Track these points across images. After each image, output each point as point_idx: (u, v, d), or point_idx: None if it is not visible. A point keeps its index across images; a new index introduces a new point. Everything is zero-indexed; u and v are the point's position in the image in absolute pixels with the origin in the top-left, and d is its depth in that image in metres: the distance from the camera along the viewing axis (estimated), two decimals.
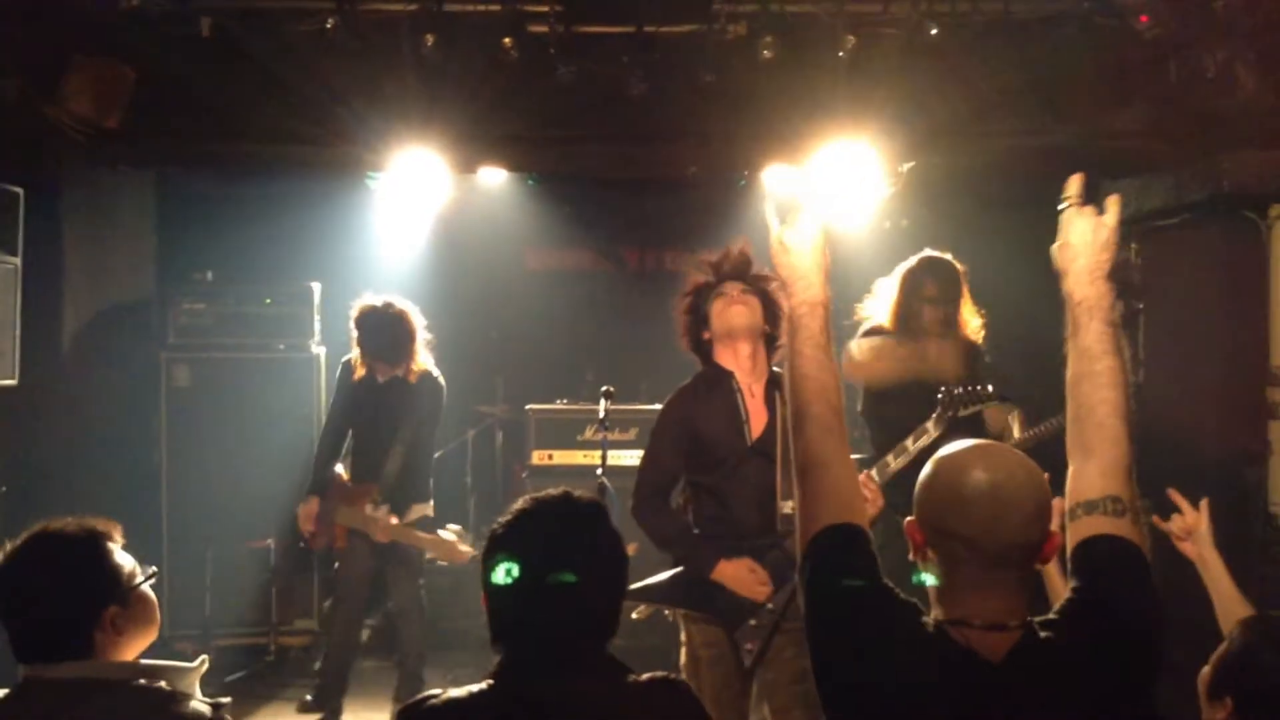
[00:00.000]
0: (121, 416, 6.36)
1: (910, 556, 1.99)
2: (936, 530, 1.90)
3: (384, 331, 5.58)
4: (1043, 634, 1.87)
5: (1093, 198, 2.50)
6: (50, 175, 5.62)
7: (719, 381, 3.93)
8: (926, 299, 4.66)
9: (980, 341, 4.68)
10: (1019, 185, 6.75)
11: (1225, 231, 5.55)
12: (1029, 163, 6.37)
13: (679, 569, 3.90)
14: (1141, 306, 6.23)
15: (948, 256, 4.76)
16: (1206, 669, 2.17)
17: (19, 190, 5.27)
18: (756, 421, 3.87)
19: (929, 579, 1.93)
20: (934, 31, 5.17)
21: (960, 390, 3.77)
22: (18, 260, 5.27)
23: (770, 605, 3.74)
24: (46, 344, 5.70)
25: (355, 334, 5.64)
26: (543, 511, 2.08)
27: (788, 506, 3.80)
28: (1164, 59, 5.08)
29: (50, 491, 5.47)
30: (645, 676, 2.04)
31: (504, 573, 1.99)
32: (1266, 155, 5.23)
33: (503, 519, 2.08)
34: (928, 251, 4.80)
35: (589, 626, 2.04)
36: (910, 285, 4.71)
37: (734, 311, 3.87)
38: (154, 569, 2.33)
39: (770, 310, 3.86)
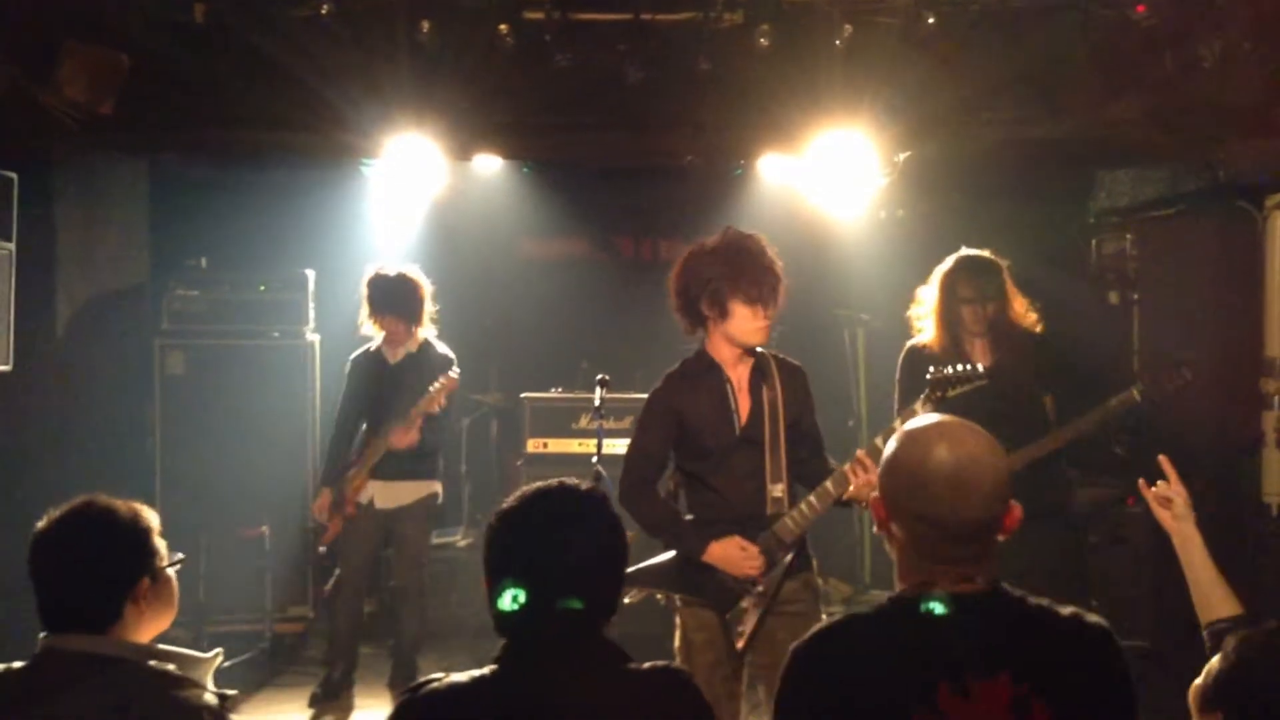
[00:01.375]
0: (115, 403, 6.35)
1: (875, 530, 2.07)
2: (900, 509, 1.99)
3: (397, 292, 5.61)
4: (1015, 593, 1.98)
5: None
6: (44, 161, 5.61)
7: (707, 372, 3.91)
8: (963, 300, 4.60)
9: (1036, 331, 4.64)
10: (1015, 174, 6.76)
11: (1221, 221, 5.56)
12: (1025, 152, 6.39)
13: (670, 554, 3.91)
14: (1137, 296, 6.24)
15: (984, 253, 4.67)
16: (1199, 681, 2.17)
17: (13, 176, 5.26)
18: (744, 409, 3.88)
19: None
20: (931, 21, 5.17)
21: (949, 370, 3.76)
22: (12, 246, 5.26)
23: (761, 588, 3.75)
24: (40, 330, 5.69)
25: (367, 294, 5.65)
26: (546, 521, 2.06)
27: (777, 489, 3.82)
28: (1161, 49, 5.08)
29: (43, 477, 5.47)
30: (646, 665, 2.04)
31: (510, 599, 1.98)
32: (1262, 145, 5.23)
33: (504, 520, 2.06)
34: (964, 250, 4.71)
35: (591, 633, 2.05)
36: (947, 288, 4.64)
37: (755, 329, 3.81)
38: (181, 555, 2.37)
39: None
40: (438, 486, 5.76)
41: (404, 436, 5.49)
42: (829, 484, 3.73)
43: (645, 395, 4.05)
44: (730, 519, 3.82)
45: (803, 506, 3.77)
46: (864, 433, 7.26)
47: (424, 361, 5.69)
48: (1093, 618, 2.00)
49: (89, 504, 2.27)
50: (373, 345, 5.79)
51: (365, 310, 5.70)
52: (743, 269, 3.76)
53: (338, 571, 5.75)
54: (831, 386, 7.43)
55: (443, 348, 5.77)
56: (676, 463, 3.98)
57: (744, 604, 3.76)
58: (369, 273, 5.68)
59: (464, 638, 6.29)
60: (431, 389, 5.46)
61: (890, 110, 5.55)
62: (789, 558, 3.78)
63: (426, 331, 5.74)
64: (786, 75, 5.43)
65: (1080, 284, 6.63)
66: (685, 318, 3.94)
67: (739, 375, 3.90)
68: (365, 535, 5.65)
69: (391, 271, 5.65)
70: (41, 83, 4.96)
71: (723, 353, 3.91)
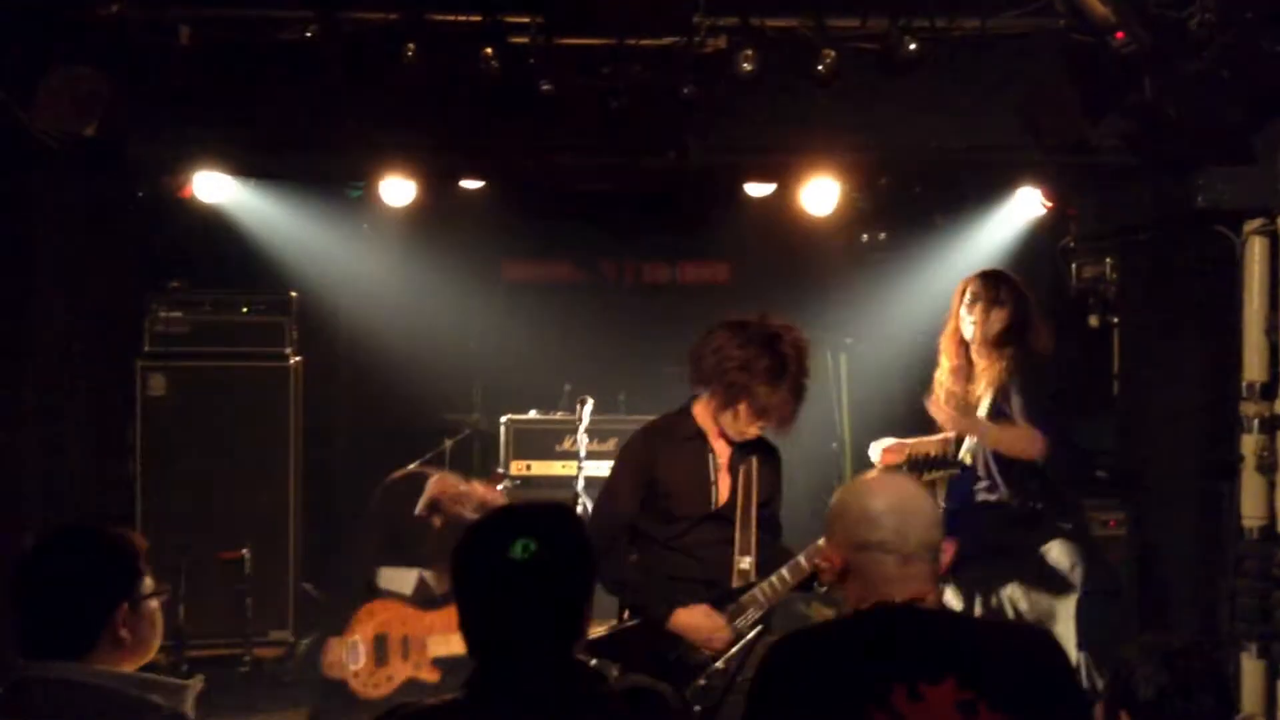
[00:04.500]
0: (96, 425, 6.31)
1: (827, 585, 2.37)
2: (854, 545, 2.24)
3: None
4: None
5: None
6: (26, 183, 5.58)
7: (690, 437, 3.84)
8: (964, 303, 4.68)
9: (1040, 355, 4.66)
10: (994, 197, 6.82)
11: (1199, 246, 5.59)
12: (1005, 175, 6.44)
13: (630, 622, 3.79)
14: (1116, 320, 6.28)
15: (998, 270, 4.79)
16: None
17: None
18: (724, 487, 3.81)
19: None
20: (912, 47, 5.21)
21: (930, 454, 3.77)
22: None
23: (720, 664, 3.64)
24: (20, 352, 5.66)
25: None
26: (530, 507, 2.10)
27: (745, 562, 3.75)
28: (1139, 75, 5.13)
29: (24, 500, 5.43)
30: (623, 684, 2.04)
31: (521, 548, 1.97)
32: (1240, 171, 5.28)
33: (467, 541, 2.05)
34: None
35: (564, 655, 2.02)
36: (958, 302, 4.73)
37: (751, 432, 3.79)
38: (168, 585, 2.35)
39: None
40: None
41: None
42: (801, 558, 3.65)
43: (630, 417, 4.04)
44: (695, 580, 3.75)
45: (774, 580, 3.68)
46: (848, 456, 7.27)
47: None
48: (1031, 625, 2.21)
49: (72, 528, 2.26)
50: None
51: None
52: (774, 388, 3.66)
53: None
54: (814, 409, 7.42)
55: None
56: (638, 525, 3.85)
57: (701, 681, 3.64)
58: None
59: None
60: None
61: (872, 135, 5.59)
62: (756, 632, 3.68)
63: None
64: (769, 100, 5.47)
65: (1060, 307, 6.67)
66: (695, 378, 3.84)
67: (722, 448, 3.83)
68: None
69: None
70: (24, 104, 4.95)
71: (709, 423, 3.84)
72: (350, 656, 5.22)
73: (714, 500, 3.80)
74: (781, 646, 2.20)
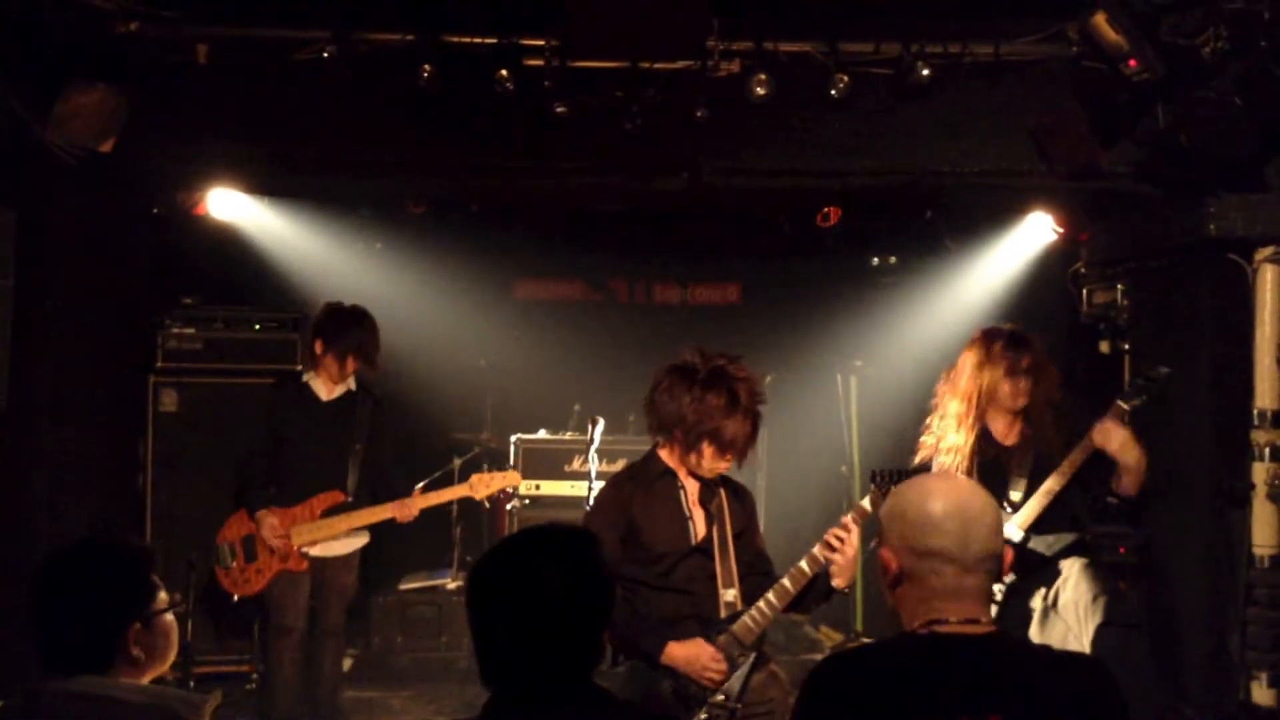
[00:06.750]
0: (108, 440, 6.34)
1: (885, 585, 2.18)
2: (913, 551, 2.12)
3: (363, 328, 5.48)
4: (1015, 637, 2.14)
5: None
6: (43, 198, 5.62)
7: (660, 477, 3.88)
8: (1002, 374, 4.52)
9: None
10: (1005, 222, 6.83)
11: (1211, 274, 5.60)
12: (1018, 202, 6.45)
13: (621, 664, 3.77)
14: (1128, 346, 6.27)
15: (1016, 327, 4.69)
16: None
17: (11, 213, 5.27)
18: (699, 520, 3.84)
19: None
20: (925, 72, 5.24)
21: (889, 471, 3.76)
22: (9, 282, 5.27)
23: (721, 696, 3.63)
24: (34, 366, 5.68)
25: (326, 328, 5.46)
26: (552, 533, 2.08)
27: (730, 594, 3.76)
28: (1152, 102, 5.14)
29: (35, 515, 5.44)
30: (642, 713, 2.04)
31: (548, 579, 1.98)
32: (1253, 199, 5.29)
33: (485, 559, 2.05)
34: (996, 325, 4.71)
35: (581, 678, 2.02)
36: (982, 361, 4.56)
37: (718, 468, 3.82)
38: (181, 598, 2.36)
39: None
40: (368, 537, 5.54)
41: (406, 512, 5.34)
42: (786, 581, 3.67)
43: (638, 438, 4.03)
44: (687, 618, 3.74)
45: (761, 605, 3.70)
46: (856, 479, 7.26)
47: (361, 404, 5.51)
48: (1085, 655, 2.10)
49: (86, 543, 2.27)
50: (301, 376, 5.59)
51: (320, 345, 5.46)
52: (732, 420, 3.71)
53: (275, 621, 5.38)
54: (825, 433, 7.45)
55: (373, 391, 5.60)
56: (622, 569, 3.80)
57: (703, 714, 3.61)
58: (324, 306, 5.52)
59: (452, 680, 6.26)
60: (478, 487, 5.42)
61: (884, 159, 5.61)
62: (750, 659, 3.68)
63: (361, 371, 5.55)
64: (782, 123, 5.49)
65: (1071, 333, 6.67)
66: (655, 427, 3.89)
67: (692, 485, 3.88)
68: (304, 583, 5.38)
69: (348, 305, 5.51)
70: (42, 120, 4.99)
71: (676, 462, 3.88)
72: (222, 560, 5.38)
73: (693, 534, 3.83)
74: (827, 669, 2.12)
